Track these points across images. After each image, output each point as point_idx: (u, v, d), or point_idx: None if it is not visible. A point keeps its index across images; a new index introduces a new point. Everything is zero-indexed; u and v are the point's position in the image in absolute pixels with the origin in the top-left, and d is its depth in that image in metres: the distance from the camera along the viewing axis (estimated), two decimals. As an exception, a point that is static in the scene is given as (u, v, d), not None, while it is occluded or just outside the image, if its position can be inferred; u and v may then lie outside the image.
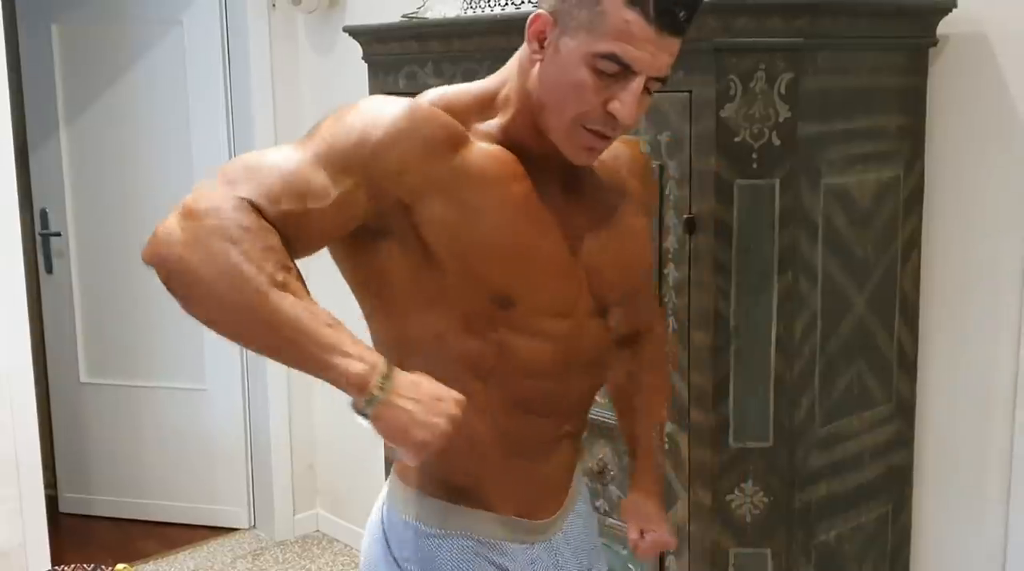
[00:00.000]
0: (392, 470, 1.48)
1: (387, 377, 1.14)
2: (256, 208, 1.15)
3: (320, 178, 1.19)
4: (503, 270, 1.30)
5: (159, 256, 1.15)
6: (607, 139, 1.31)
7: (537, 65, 1.28)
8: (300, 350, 1.14)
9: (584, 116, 1.28)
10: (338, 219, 1.21)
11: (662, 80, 1.30)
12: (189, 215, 1.14)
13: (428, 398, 1.16)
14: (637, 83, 1.26)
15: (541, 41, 1.27)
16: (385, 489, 1.49)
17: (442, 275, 1.27)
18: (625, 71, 1.25)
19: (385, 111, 1.23)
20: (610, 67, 1.25)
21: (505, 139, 1.33)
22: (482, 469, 1.40)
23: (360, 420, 1.16)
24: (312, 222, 1.19)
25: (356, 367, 1.13)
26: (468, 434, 1.33)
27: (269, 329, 1.14)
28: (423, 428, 1.14)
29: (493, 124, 1.34)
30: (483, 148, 1.31)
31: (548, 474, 1.47)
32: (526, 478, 1.45)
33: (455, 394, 1.18)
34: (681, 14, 1.25)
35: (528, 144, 1.33)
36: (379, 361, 1.15)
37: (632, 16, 1.22)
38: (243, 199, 1.15)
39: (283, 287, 1.13)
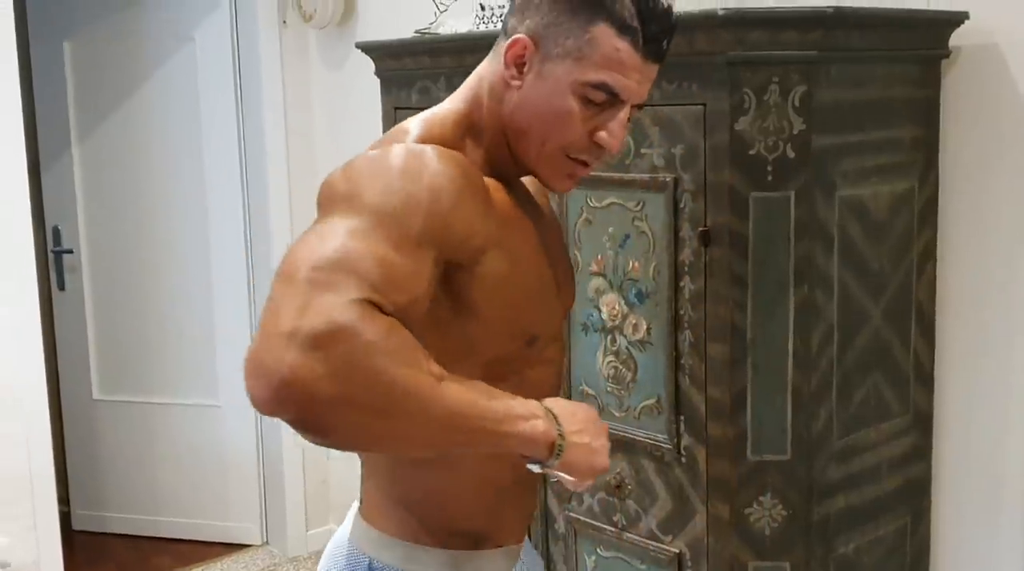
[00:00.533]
0: (360, 513, 1.42)
1: (555, 419, 1.14)
2: (377, 306, 1.02)
3: (405, 260, 1.07)
4: (535, 309, 1.29)
5: (303, 402, 0.96)
6: (588, 167, 1.31)
7: (515, 91, 1.26)
8: (479, 434, 1.08)
9: (570, 145, 1.28)
10: (428, 297, 1.11)
11: (641, 107, 1.32)
12: (318, 344, 0.95)
13: (590, 424, 1.18)
14: (625, 112, 1.27)
15: (519, 66, 1.25)
16: (351, 529, 1.43)
17: (477, 325, 1.21)
18: (612, 99, 1.26)
19: (436, 171, 1.14)
20: (598, 96, 1.25)
21: (489, 169, 1.30)
22: (497, 505, 1.38)
23: (534, 467, 1.16)
24: (418, 307, 1.08)
25: (539, 426, 1.11)
26: (491, 475, 1.33)
27: (446, 428, 1.05)
28: (601, 454, 1.19)
29: (478, 154, 1.30)
30: (488, 184, 1.26)
31: (535, 492, 1.50)
32: (528, 503, 1.47)
33: (591, 408, 1.22)
34: (664, 43, 1.27)
35: (506, 170, 1.32)
36: (541, 407, 1.14)
37: (623, 45, 1.23)
38: (362, 302, 1.00)
39: (441, 378, 1.04)
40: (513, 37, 1.25)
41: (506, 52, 1.25)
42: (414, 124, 1.28)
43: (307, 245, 1.05)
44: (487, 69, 1.30)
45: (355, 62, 3.43)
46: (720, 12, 1.78)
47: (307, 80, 3.70)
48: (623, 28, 1.22)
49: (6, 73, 3.08)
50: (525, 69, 1.25)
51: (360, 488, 1.46)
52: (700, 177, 1.88)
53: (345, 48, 3.49)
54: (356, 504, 1.48)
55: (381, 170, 1.14)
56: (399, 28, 2.84)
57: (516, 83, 1.25)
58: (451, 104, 1.32)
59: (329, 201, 1.13)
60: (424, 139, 1.24)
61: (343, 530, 1.47)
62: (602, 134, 1.26)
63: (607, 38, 1.22)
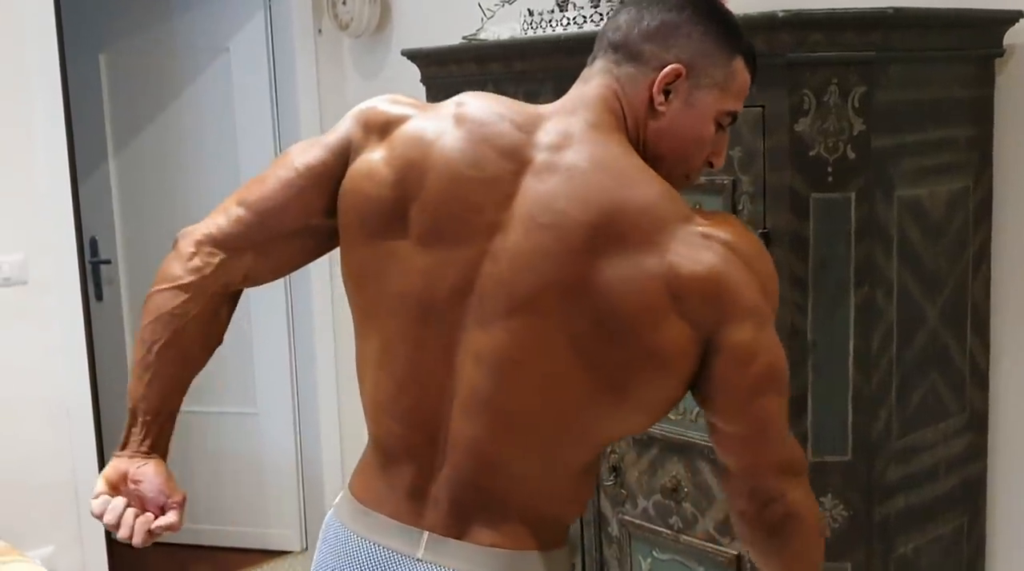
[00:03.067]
0: (504, 546, 1.30)
1: None
2: None
3: None
4: None
5: None
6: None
7: (660, 117, 1.28)
8: None
9: (696, 168, 1.35)
10: None
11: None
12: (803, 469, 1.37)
13: None
14: (727, 134, 1.36)
15: (666, 91, 1.28)
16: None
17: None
18: (727, 124, 1.34)
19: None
20: (726, 122, 1.33)
21: None
22: None
23: None
24: None
25: None
26: None
27: None
28: None
29: None
30: None
31: None
32: None
33: None
34: None
35: None
36: None
37: (747, 76, 1.33)
38: None
39: None
40: (671, 66, 1.26)
41: (660, 79, 1.26)
42: (674, 197, 1.24)
43: (782, 356, 1.27)
44: (612, 88, 1.29)
45: (391, 70, 3.45)
46: (780, 14, 1.79)
47: (342, 89, 3.71)
48: (749, 61, 1.32)
49: (49, 88, 3.11)
50: (671, 96, 1.27)
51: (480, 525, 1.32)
52: (759, 179, 1.88)
53: (381, 56, 3.51)
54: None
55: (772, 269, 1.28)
56: (435, 35, 2.85)
57: (663, 109, 1.28)
58: (621, 145, 1.26)
59: (771, 308, 1.25)
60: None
61: None
62: (716, 157, 1.34)
63: (742, 71, 1.31)
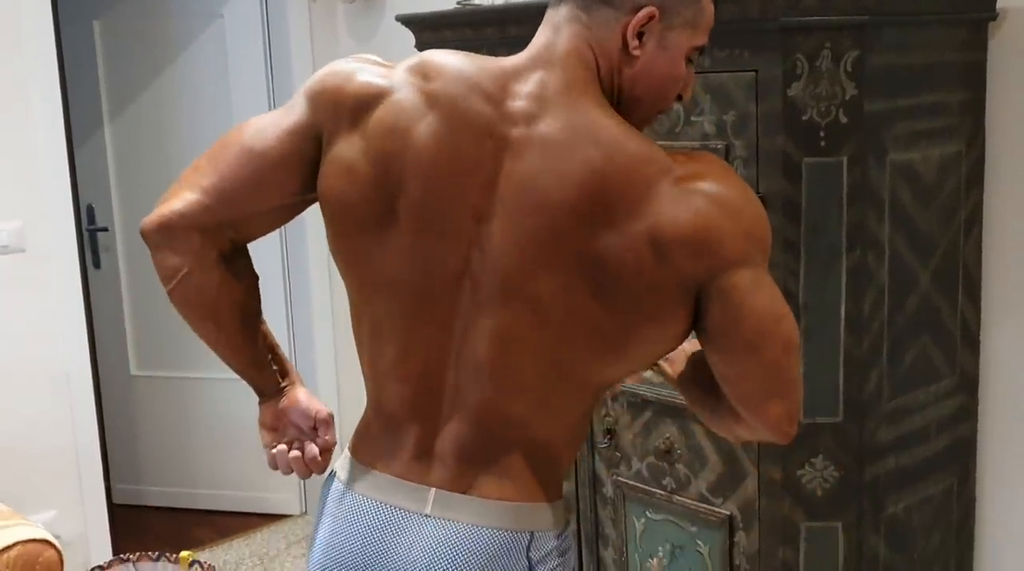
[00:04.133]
0: (504, 496, 1.32)
1: None
2: None
3: None
4: None
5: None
6: None
7: (634, 60, 1.26)
8: None
9: (669, 104, 1.34)
10: None
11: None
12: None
13: None
14: (694, 67, 1.34)
15: (640, 34, 1.26)
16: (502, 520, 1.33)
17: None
18: (695, 59, 1.33)
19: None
20: (695, 57, 1.32)
21: None
22: None
23: None
24: None
25: None
26: None
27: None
28: None
29: None
30: None
31: None
32: None
33: None
34: None
35: None
36: None
37: (712, 8, 1.31)
38: None
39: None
40: (645, 9, 1.24)
41: (634, 22, 1.25)
42: (652, 152, 1.23)
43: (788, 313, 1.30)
44: (583, 37, 1.26)
45: (384, 35, 3.44)
46: (773, -22, 1.79)
47: (336, 54, 3.70)
48: None
49: (44, 55, 3.11)
50: (644, 38, 1.26)
51: (485, 475, 1.33)
52: (752, 144, 1.89)
53: (375, 21, 3.50)
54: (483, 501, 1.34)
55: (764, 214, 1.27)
56: (429, 1, 2.85)
57: (637, 53, 1.26)
58: (596, 104, 1.25)
59: (761, 252, 1.25)
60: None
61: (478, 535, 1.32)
62: (686, 91, 1.33)
63: (708, 4, 1.29)
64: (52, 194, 3.14)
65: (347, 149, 1.28)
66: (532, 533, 1.32)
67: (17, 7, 3.04)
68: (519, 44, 2.30)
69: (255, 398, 1.52)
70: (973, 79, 2.08)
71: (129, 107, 3.89)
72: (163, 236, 1.37)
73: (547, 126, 1.22)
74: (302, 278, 3.79)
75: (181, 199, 1.37)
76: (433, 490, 1.31)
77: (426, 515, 1.31)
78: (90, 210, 3.97)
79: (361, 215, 1.28)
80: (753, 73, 1.86)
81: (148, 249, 1.40)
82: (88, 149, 3.96)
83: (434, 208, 1.25)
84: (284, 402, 1.48)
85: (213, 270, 1.39)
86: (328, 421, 1.45)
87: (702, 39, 1.30)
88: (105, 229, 3.96)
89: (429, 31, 2.57)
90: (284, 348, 1.55)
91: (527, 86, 1.24)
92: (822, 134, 1.84)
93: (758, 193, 1.87)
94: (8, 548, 2.33)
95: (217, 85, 3.77)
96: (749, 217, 1.22)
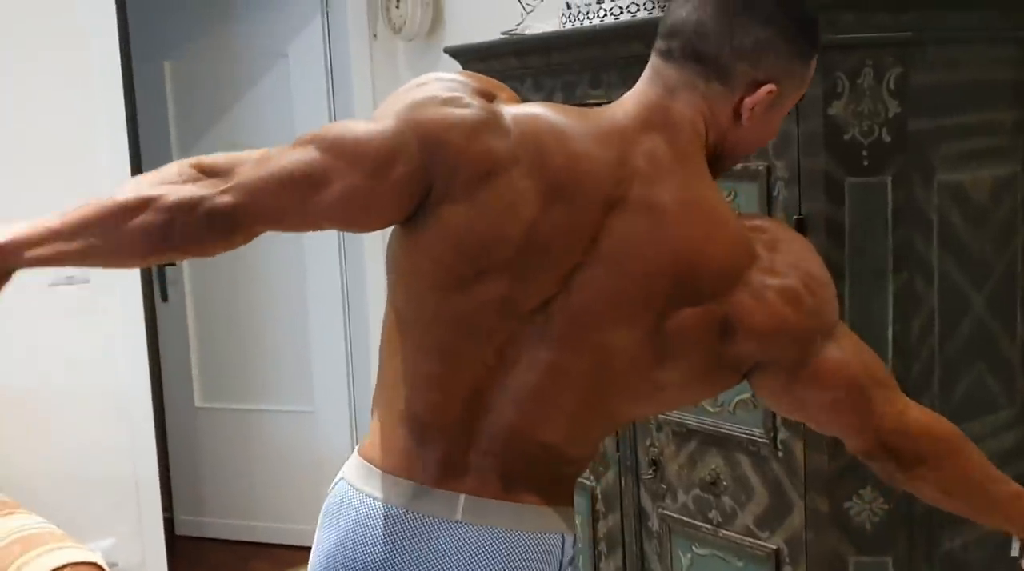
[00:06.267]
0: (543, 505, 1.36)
1: None
2: None
3: None
4: None
5: None
6: None
7: (741, 127, 1.31)
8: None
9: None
10: None
11: None
12: None
13: None
14: None
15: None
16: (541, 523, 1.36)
17: None
18: None
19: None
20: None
21: None
22: None
23: None
24: None
25: None
26: None
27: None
28: None
29: None
30: None
31: None
32: None
33: None
34: None
35: None
36: None
37: (814, 66, 1.37)
38: None
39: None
40: (766, 88, 1.28)
41: (754, 101, 1.28)
42: (744, 241, 1.30)
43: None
44: (699, 108, 1.29)
45: (443, 71, 3.47)
46: (810, -5, 1.76)
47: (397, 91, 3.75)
48: (817, 52, 1.37)
49: (111, 92, 3.20)
50: (757, 108, 1.29)
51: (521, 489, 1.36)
52: (794, 164, 1.86)
53: (433, 57, 3.54)
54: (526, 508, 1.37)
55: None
56: (486, 36, 2.86)
57: (749, 125, 1.31)
58: (705, 181, 1.30)
59: (836, 314, 1.35)
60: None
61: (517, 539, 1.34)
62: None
63: (812, 66, 1.36)
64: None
65: (456, 218, 1.25)
66: (563, 535, 1.36)
67: (87, 48, 3.14)
68: (562, 71, 2.32)
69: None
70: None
71: (197, 144, 3.98)
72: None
73: (658, 195, 1.26)
74: (358, 277, 3.82)
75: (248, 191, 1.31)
76: (463, 496, 1.32)
77: (457, 521, 1.32)
78: (158, 245, 4.06)
79: (452, 275, 1.28)
80: (793, 92, 1.83)
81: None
82: (157, 186, 4.05)
83: (534, 264, 1.27)
84: None
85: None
86: None
87: (802, 93, 1.35)
88: (173, 264, 4.05)
89: (476, 62, 2.58)
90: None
91: (643, 151, 1.27)
92: (865, 153, 1.79)
93: (800, 214, 1.85)
94: (58, 570, 2.35)
95: (282, 121, 3.85)
96: (819, 299, 1.31)
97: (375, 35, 3.71)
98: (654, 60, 1.33)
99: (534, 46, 2.38)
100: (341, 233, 3.83)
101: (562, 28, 2.39)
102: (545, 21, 2.62)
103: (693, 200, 1.26)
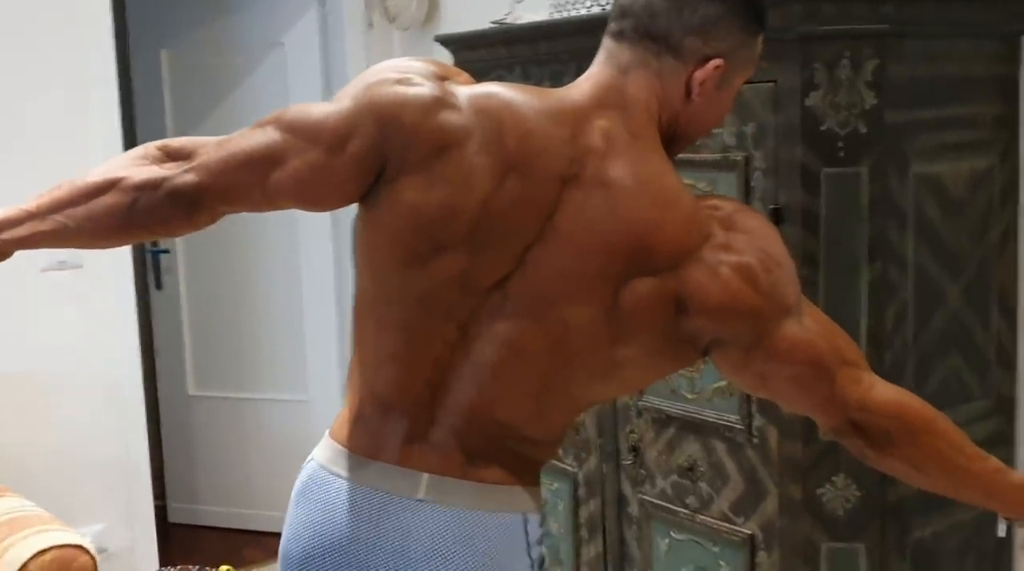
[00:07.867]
0: (501, 485, 1.36)
1: None
2: None
3: None
4: None
5: None
6: None
7: (693, 104, 1.32)
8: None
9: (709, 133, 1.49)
10: None
11: None
12: None
13: None
14: None
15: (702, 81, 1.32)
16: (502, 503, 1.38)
17: None
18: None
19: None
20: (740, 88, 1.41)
21: None
22: None
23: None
24: None
25: None
26: None
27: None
28: None
29: None
30: None
31: None
32: None
33: None
34: None
35: None
36: None
37: (761, 43, 1.38)
38: None
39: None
40: (714, 62, 1.30)
41: (703, 75, 1.30)
42: (698, 217, 1.30)
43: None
44: (652, 87, 1.31)
45: (437, 59, 3.49)
46: (789, -14, 1.78)
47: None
48: (764, 29, 1.37)
49: (105, 83, 3.22)
50: (706, 84, 1.31)
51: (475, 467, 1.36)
52: (771, 155, 1.88)
53: (428, 47, 3.54)
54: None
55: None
56: (482, 23, 2.88)
57: (700, 99, 1.32)
58: (658, 157, 1.31)
59: (796, 294, 1.32)
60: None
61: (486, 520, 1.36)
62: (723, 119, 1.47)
63: (760, 42, 1.37)
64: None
65: (411, 193, 1.28)
66: (526, 514, 1.37)
67: (83, 38, 3.16)
68: (550, 60, 2.34)
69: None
70: (1006, 93, 2.03)
71: (194, 132, 3.98)
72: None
73: (612, 172, 1.27)
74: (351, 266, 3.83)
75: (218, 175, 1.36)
76: (425, 475, 1.34)
77: (419, 500, 1.33)
78: (153, 232, 4.08)
79: (410, 250, 1.30)
80: (772, 83, 1.85)
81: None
82: (153, 173, 4.08)
83: (490, 240, 1.28)
84: None
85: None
86: None
87: (751, 72, 1.36)
88: (167, 251, 4.07)
89: (466, 50, 2.61)
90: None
91: (597, 129, 1.29)
92: (841, 144, 1.81)
93: (777, 205, 1.86)
94: (43, 552, 2.37)
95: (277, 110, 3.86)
96: (776, 280, 1.29)
97: (371, 24, 3.72)
98: (606, 42, 1.35)
99: (523, 35, 2.41)
100: (333, 220, 3.85)
101: (551, 17, 2.41)
102: (536, 11, 2.64)
103: (647, 177, 1.28)
